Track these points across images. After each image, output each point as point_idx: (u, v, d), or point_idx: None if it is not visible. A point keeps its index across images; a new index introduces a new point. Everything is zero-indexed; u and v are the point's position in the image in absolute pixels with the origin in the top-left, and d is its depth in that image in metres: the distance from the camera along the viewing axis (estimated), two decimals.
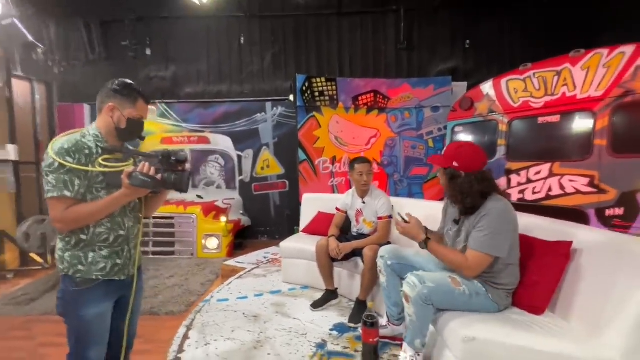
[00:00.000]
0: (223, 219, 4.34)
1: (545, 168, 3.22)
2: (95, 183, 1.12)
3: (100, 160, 1.12)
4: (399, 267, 1.76)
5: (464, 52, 5.10)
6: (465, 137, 3.96)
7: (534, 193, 3.33)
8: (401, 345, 1.59)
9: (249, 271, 3.11)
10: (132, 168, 1.09)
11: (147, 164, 1.10)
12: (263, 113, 5.22)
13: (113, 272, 1.18)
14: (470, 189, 1.49)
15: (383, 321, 1.93)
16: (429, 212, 1.98)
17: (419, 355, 1.50)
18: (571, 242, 1.44)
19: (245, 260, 3.46)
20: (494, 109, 3.64)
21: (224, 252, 4.19)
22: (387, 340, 1.85)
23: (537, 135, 3.40)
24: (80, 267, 1.13)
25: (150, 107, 4.69)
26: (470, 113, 3.88)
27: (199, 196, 4.89)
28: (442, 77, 4.56)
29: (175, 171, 1.14)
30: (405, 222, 1.63)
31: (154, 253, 4.24)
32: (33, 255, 3.81)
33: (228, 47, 5.29)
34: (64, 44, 5.28)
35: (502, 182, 3.54)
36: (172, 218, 4.27)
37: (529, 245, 1.58)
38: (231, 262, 3.36)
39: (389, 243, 2.25)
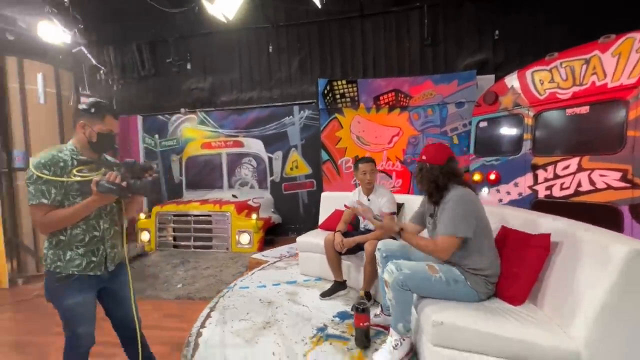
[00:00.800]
0: (254, 216, 4.69)
1: (573, 162, 3.06)
2: (71, 191, 1.29)
3: (74, 171, 1.29)
4: (394, 259, 1.89)
5: (494, 44, 4.90)
6: (490, 132, 3.86)
7: (562, 189, 3.17)
8: (388, 330, 1.71)
9: (272, 264, 3.39)
10: (99, 177, 1.24)
11: (114, 173, 1.26)
12: (291, 116, 5.51)
13: (88, 268, 1.35)
14: (433, 177, 1.67)
15: (377, 311, 2.06)
16: None
17: (404, 340, 1.62)
18: (549, 235, 1.46)
19: (270, 254, 3.75)
20: (519, 102, 3.51)
21: (255, 247, 4.54)
22: (380, 329, 1.98)
23: (564, 128, 3.23)
24: (59, 263, 1.32)
25: (191, 115, 5.20)
26: (494, 107, 3.78)
27: (234, 195, 5.33)
28: (467, 72, 4.45)
29: (140, 178, 1.30)
30: (380, 220, 1.80)
31: (195, 247, 4.73)
32: None
33: (258, 56, 5.68)
34: (121, 65, 6.07)
35: (527, 178, 3.42)
36: (209, 216, 4.73)
37: (510, 238, 1.62)
38: (257, 256, 3.68)
39: (393, 238, 2.36)
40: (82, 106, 1.36)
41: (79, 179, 1.28)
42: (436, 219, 1.70)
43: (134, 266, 4.04)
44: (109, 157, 1.50)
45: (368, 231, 2.59)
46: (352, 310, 2.22)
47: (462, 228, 1.54)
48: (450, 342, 1.33)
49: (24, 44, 4.13)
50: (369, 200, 2.55)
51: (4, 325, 2.73)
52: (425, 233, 1.88)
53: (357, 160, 2.60)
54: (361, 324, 1.77)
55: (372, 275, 2.24)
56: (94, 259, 1.36)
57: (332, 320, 2.16)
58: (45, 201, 1.24)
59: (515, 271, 1.51)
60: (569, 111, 3.13)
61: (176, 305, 2.98)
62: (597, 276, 1.17)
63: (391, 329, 1.64)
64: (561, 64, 3.16)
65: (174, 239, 4.84)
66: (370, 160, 2.53)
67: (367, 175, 2.48)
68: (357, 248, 2.53)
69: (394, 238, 2.43)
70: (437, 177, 1.67)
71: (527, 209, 2.83)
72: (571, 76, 3.09)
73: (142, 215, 4.95)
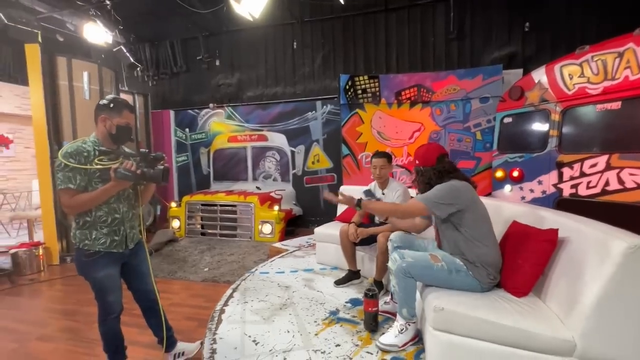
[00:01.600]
0: (276, 207, 4.89)
1: (602, 160, 2.97)
2: (93, 178, 1.47)
3: (96, 160, 1.47)
4: (404, 249, 1.97)
5: (523, 36, 4.73)
6: (514, 128, 3.78)
7: (588, 188, 3.08)
8: (395, 315, 1.81)
9: (291, 252, 3.57)
10: (117, 165, 1.45)
11: (130, 161, 1.45)
12: (313, 111, 5.64)
13: (112, 246, 1.53)
14: (426, 178, 1.75)
15: (387, 298, 2.16)
16: None
17: (409, 325, 1.72)
18: (557, 230, 1.48)
19: (290, 243, 3.93)
20: (546, 97, 3.42)
21: (277, 237, 4.75)
22: (388, 315, 2.08)
23: (593, 125, 3.12)
24: (87, 241, 1.49)
25: (219, 110, 5.50)
26: (520, 103, 3.69)
27: (258, 187, 5.57)
28: (492, 66, 4.34)
29: (153, 167, 1.48)
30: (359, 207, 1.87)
31: (221, 235, 5.02)
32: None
33: (283, 52, 5.83)
34: (155, 62, 6.46)
35: (552, 175, 3.34)
36: (234, 206, 4.99)
37: (520, 232, 1.65)
38: (278, 244, 3.87)
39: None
40: (102, 102, 1.53)
41: (100, 167, 1.45)
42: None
43: (163, 252, 4.38)
44: (126, 148, 1.68)
45: (383, 223, 2.67)
46: (362, 296, 2.34)
47: (434, 202, 1.62)
48: (450, 327, 1.41)
49: (71, 44, 4.53)
50: (383, 194, 2.64)
51: (56, 296, 3.10)
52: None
53: (372, 154, 2.69)
54: (370, 309, 1.89)
55: (384, 265, 2.33)
56: (116, 238, 1.54)
57: (344, 306, 2.29)
58: (71, 186, 1.41)
59: (520, 263, 1.55)
60: (599, 107, 3.03)
61: (202, 287, 3.23)
62: (597, 270, 1.20)
63: (397, 314, 1.74)
64: (592, 57, 3.04)
65: (202, 226, 5.15)
66: (383, 156, 2.60)
67: (377, 170, 2.57)
68: (372, 239, 2.63)
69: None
70: (430, 178, 1.74)
71: (550, 208, 2.78)
72: (603, 70, 2.97)
73: (174, 204, 5.31)
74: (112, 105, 1.51)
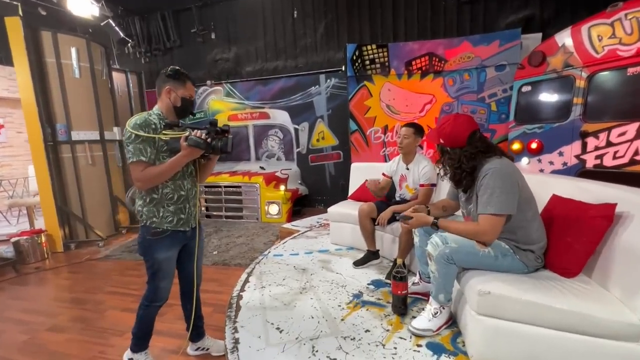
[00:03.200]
0: (282, 187, 4.75)
1: (632, 128, 2.79)
2: (161, 152, 1.42)
3: (162, 132, 1.41)
4: (431, 229, 1.83)
5: None
6: (534, 97, 3.57)
7: (614, 158, 2.92)
8: (428, 298, 1.71)
9: (303, 233, 3.45)
10: (188, 133, 1.38)
11: (199, 131, 1.39)
12: (317, 86, 5.37)
13: (179, 224, 1.49)
14: (456, 162, 1.52)
15: (416, 278, 2.05)
16: None
17: (443, 308, 1.61)
18: (615, 205, 1.34)
19: (300, 224, 3.81)
20: (570, 62, 3.19)
21: (284, 218, 4.64)
22: (418, 296, 1.98)
23: (624, 90, 2.91)
24: (155, 219, 1.45)
25: (217, 87, 5.20)
26: (541, 69, 3.46)
27: (261, 167, 5.40)
28: (509, 31, 4.05)
29: (220, 138, 1.41)
30: (408, 219, 1.68)
31: (227, 217, 4.90)
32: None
33: (282, 23, 5.47)
34: (147, 37, 6.07)
35: (575, 146, 3.17)
36: (239, 187, 4.85)
37: (566, 207, 1.51)
38: (288, 225, 3.75)
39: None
40: (167, 72, 1.44)
41: (171, 136, 1.39)
42: (471, 193, 1.58)
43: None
44: (188, 122, 1.58)
45: (404, 201, 2.54)
46: (389, 278, 2.23)
47: (504, 205, 1.39)
48: (497, 311, 1.30)
49: (55, 17, 4.19)
50: (407, 169, 2.47)
51: (63, 284, 3.00)
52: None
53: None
54: (399, 292, 1.78)
55: (407, 245, 2.22)
56: (182, 216, 1.48)
57: (367, 288, 2.19)
58: (143, 158, 1.35)
59: (569, 241, 1.42)
60: (630, 70, 2.81)
61: (213, 270, 3.14)
62: None
63: (431, 298, 1.63)
64: (626, 15, 2.80)
65: (207, 209, 5.03)
66: (411, 126, 2.41)
67: (400, 139, 2.39)
68: (392, 218, 2.50)
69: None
70: (461, 162, 1.50)
71: (565, 176, 2.63)
72: (638, 29, 2.73)
73: None
74: (177, 76, 1.44)
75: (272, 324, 1.80)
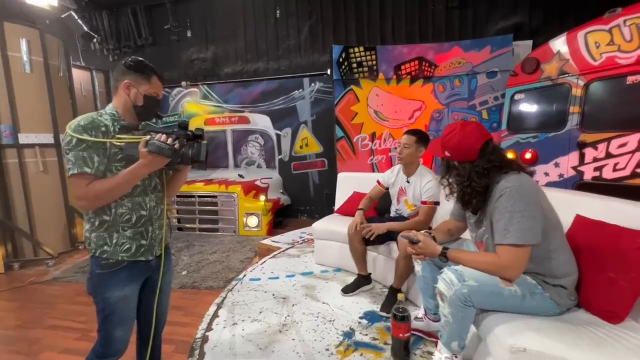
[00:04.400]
0: (262, 197, 4.38)
1: (633, 139, 2.65)
2: (114, 161, 1.10)
3: (117, 137, 1.11)
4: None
5: (530, 5, 4.33)
6: (526, 105, 3.42)
7: (614, 170, 2.77)
8: (436, 343, 1.41)
9: (284, 251, 3.10)
10: (148, 136, 1.06)
11: (164, 135, 1.07)
12: (300, 90, 5.07)
13: (139, 253, 1.19)
14: (465, 180, 1.26)
15: (419, 313, 1.74)
16: None
17: (456, 357, 1.31)
18: None
19: (281, 239, 3.46)
20: (566, 69, 3.04)
21: (264, 230, 4.27)
22: (421, 335, 1.68)
23: (623, 99, 2.78)
24: (106, 247, 1.14)
25: (193, 89, 4.72)
26: (534, 77, 3.31)
27: (240, 175, 5.01)
28: (501, 37, 3.92)
29: (192, 144, 1.13)
30: (414, 243, 1.40)
31: (200, 230, 4.47)
32: None
33: (264, 22, 5.15)
34: (116, 33, 5.59)
35: (572, 157, 3.01)
36: (215, 197, 4.43)
37: (598, 232, 1.26)
38: (267, 241, 3.39)
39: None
40: (126, 62, 1.17)
41: (127, 140, 1.10)
42: (482, 218, 1.32)
43: None
44: (151, 125, 1.25)
45: (402, 217, 2.23)
46: (385, 310, 1.92)
47: (527, 232, 1.13)
48: None
49: (3, 4, 3.68)
50: (408, 182, 2.17)
51: None
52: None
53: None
54: (400, 335, 1.47)
55: (405, 270, 1.91)
56: (143, 242, 1.20)
57: (359, 323, 1.86)
58: (88, 170, 1.06)
59: (612, 277, 1.17)
60: (630, 79, 2.68)
61: (180, 295, 2.73)
62: None
63: (441, 344, 1.33)
64: (625, 21, 2.67)
65: (178, 220, 4.57)
66: (413, 133, 2.12)
67: (399, 148, 2.09)
68: (385, 237, 2.20)
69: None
70: (472, 179, 1.24)
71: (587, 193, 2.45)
72: (637, 36, 2.61)
73: None
74: (139, 68, 1.17)
75: None
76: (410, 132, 2.13)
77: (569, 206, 1.51)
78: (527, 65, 3.35)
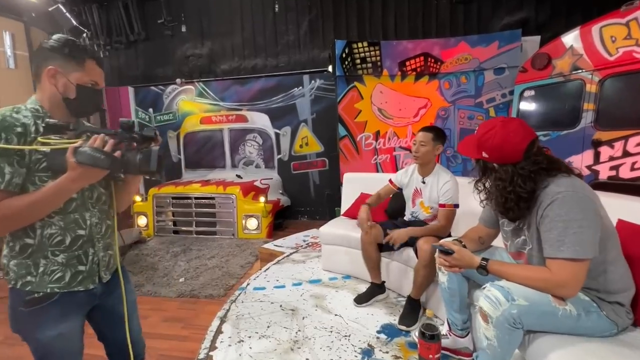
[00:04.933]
0: (262, 199, 4.21)
1: None
2: (37, 170, 0.86)
3: (40, 139, 0.85)
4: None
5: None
6: (536, 102, 3.32)
7: (632, 169, 2.67)
8: None
9: (288, 256, 2.94)
10: (79, 142, 0.83)
11: (101, 136, 0.84)
12: (300, 87, 4.90)
13: (75, 282, 0.95)
14: (509, 184, 1.11)
15: (443, 329, 1.60)
16: None
17: None
18: None
19: (284, 243, 3.29)
20: (579, 65, 2.93)
21: (264, 233, 4.11)
22: (448, 353, 1.53)
23: None
24: (30, 278, 0.91)
25: (188, 86, 4.51)
26: (545, 73, 3.20)
27: (238, 176, 4.83)
28: (509, 32, 3.80)
29: (140, 149, 0.89)
30: (448, 253, 1.24)
31: (197, 233, 4.29)
32: None
33: (262, 17, 4.97)
34: (106, 27, 5.35)
35: (586, 156, 2.91)
36: (212, 198, 4.25)
37: None
38: (269, 246, 3.22)
39: (449, 236, 1.87)
40: (49, 43, 0.90)
41: (48, 147, 0.83)
42: (523, 226, 1.18)
43: (126, 258, 3.59)
44: (87, 124, 1.01)
45: (419, 221, 2.08)
46: (405, 324, 1.77)
47: (585, 245, 0.99)
48: None
49: None
50: (423, 182, 2.02)
51: None
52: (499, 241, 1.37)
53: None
54: (431, 356, 1.32)
55: (426, 280, 1.77)
56: (81, 268, 0.96)
57: (378, 338, 1.71)
58: None
59: None
60: None
61: (178, 305, 2.56)
62: None
63: None
64: None
65: (174, 223, 4.38)
66: (429, 130, 1.96)
67: (415, 146, 1.94)
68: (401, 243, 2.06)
69: (448, 235, 1.96)
70: (515, 183, 1.10)
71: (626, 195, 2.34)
72: None
73: (138, 198, 4.47)
74: (67, 50, 0.90)
75: None
76: (427, 128, 1.99)
77: (607, 209, 1.38)
78: (537, 61, 3.23)
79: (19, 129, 0.85)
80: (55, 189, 0.84)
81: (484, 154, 1.18)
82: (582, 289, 1.06)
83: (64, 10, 4.68)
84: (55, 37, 0.92)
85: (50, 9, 4.57)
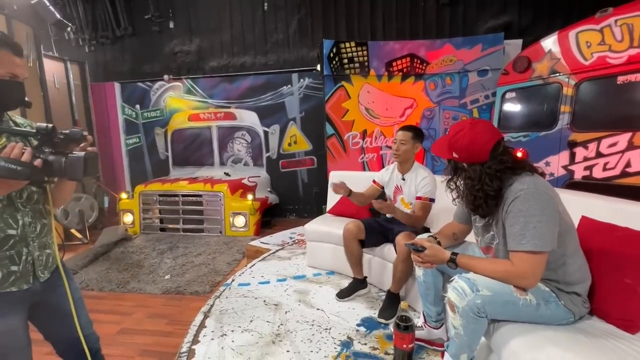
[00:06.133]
0: (249, 197, 4.23)
1: (622, 139, 2.66)
2: None
3: None
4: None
5: (520, 4, 4.34)
6: (517, 104, 3.42)
7: (604, 170, 2.79)
8: (442, 353, 1.33)
9: (274, 253, 2.97)
10: None
11: (19, 144, 0.80)
12: (289, 85, 4.92)
13: (7, 282, 0.94)
14: (476, 182, 1.18)
15: (419, 321, 1.67)
16: None
17: None
18: None
19: (270, 240, 3.33)
20: (557, 69, 3.04)
21: (252, 231, 4.13)
22: (422, 344, 1.60)
23: (614, 99, 2.79)
24: None
25: (176, 83, 4.46)
26: (526, 75, 3.30)
27: (226, 173, 4.83)
28: (492, 35, 3.91)
29: (64, 153, 0.85)
30: (420, 250, 1.31)
31: (184, 230, 4.28)
32: (73, 231, 3.99)
33: (251, 15, 4.96)
34: (92, 22, 5.26)
35: (562, 156, 3.02)
36: (200, 196, 4.25)
37: (609, 235, 1.22)
38: (256, 243, 3.25)
39: (427, 230, 1.94)
40: None
41: None
42: (492, 222, 1.25)
43: (112, 255, 3.58)
44: (15, 120, 0.98)
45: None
46: (383, 317, 1.83)
47: (544, 238, 1.07)
48: None
49: None
50: (403, 179, 2.09)
51: None
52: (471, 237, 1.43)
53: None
54: (405, 346, 1.38)
55: (404, 275, 1.83)
56: (14, 268, 0.94)
57: (357, 331, 1.77)
58: None
59: (628, 284, 1.11)
60: (621, 78, 2.69)
61: (163, 302, 2.57)
62: None
63: (447, 355, 1.25)
64: (616, 21, 2.67)
65: (161, 221, 4.36)
66: (408, 130, 2.03)
67: (396, 145, 2.01)
68: (382, 239, 2.12)
69: (425, 229, 2.03)
70: (483, 182, 1.17)
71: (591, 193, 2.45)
72: (628, 36, 2.61)
73: (124, 195, 4.43)
74: None
75: None
76: (406, 128, 2.05)
77: (572, 207, 1.46)
78: (518, 64, 3.34)
79: None
80: None
81: (455, 155, 1.24)
82: (542, 280, 1.14)
83: (47, 3, 4.58)
84: None
85: (32, 2, 4.48)
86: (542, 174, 1.23)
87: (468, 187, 1.22)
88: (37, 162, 0.80)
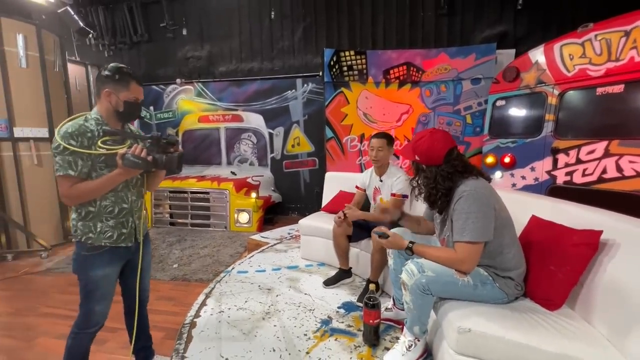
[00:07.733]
0: (253, 195, 4.50)
1: (600, 147, 2.83)
2: (98, 162, 1.26)
3: (99, 142, 1.24)
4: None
5: (515, 14, 4.51)
6: (507, 112, 3.60)
7: (583, 175, 2.95)
8: (402, 328, 1.55)
9: (272, 246, 3.23)
10: (125, 150, 1.22)
11: (139, 146, 1.23)
12: (293, 90, 5.19)
13: (120, 240, 1.34)
14: (432, 181, 1.42)
15: (389, 304, 1.90)
16: None
17: (418, 341, 1.46)
18: (601, 232, 1.26)
19: (270, 235, 3.59)
20: (543, 79, 3.22)
21: (255, 227, 4.39)
22: (391, 323, 1.83)
23: (593, 109, 2.96)
24: (91, 235, 1.30)
25: (188, 86, 4.83)
26: (515, 85, 3.48)
27: (232, 172, 5.12)
28: (485, 45, 4.09)
29: (166, 152, 1.27)
30: (384, 237, 1.55)
31: (192, 225, 4.58)
32: None
33: (259, 23, 5.26)
34: (111, 29, 5.64)
35: (546, 162, 3.20)
36: (207, 193, 4.54)
37: (547, 231, 1.42)
38: (256, 237, 3.52)
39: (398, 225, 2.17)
40: (105, 72, 1.29)
41: (104, 151, 1.25)
42: (447, 217, 1.47)
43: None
44: (132, 128, 1.49)
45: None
46: (359, 303, 2.07)
47: (480, 231, 1.28)
48: (477, 351, 1.17)
49: (1, 1, 3.74)
50: (381, 181, 2.33)
51: None
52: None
53: (372, 136, 2.37)
54: (371, 321, 1.62)
55: (380, 264, 2.07)
56: (124, 230, 1.36)
57: (337, 312, 2.01)
58: (72, 173, 1.21)
59: (552, 270, 1.32)
60: (599, 90, 2.86)
61: (171, 287, 2.85)
62: None
63: (405, 329, 1.48)
64: (596, 36, 2.84)
65: (171, 216, 4.68)
66: (383, 137, 2.28)
67: (374, 152, 2.25)
68: (366, 234, 2.35)
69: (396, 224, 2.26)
70: (437, 182, 1.40)
71: (544, 196, 2.63)
72: (606, 51, 2.78)
73: None
74: (117, 76, 1.27)
75: (227, 359, 1.57)
76: (380, 135, 2.30)
77: (526, 207, 1.68)
78: (508, 73, 3.52)
79: (89, 134, 1.23)
80: (109, 179, 1.24)
81: (417, 157, 1.48)
82: (482, 265, 1.36)
83: (72, 13, 4.97)
84: (109, 67, 1.28)
85: (59, 11, 4.86)
86: (488, 179, 1.45)
87: (426, 185, 1.46)
88: (150, 158, 1.23)
